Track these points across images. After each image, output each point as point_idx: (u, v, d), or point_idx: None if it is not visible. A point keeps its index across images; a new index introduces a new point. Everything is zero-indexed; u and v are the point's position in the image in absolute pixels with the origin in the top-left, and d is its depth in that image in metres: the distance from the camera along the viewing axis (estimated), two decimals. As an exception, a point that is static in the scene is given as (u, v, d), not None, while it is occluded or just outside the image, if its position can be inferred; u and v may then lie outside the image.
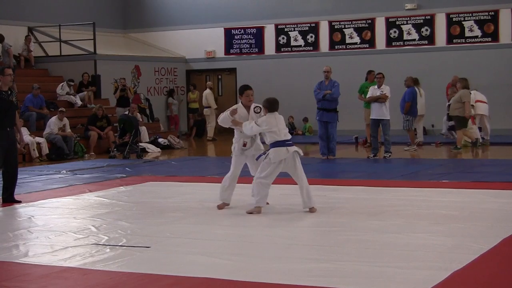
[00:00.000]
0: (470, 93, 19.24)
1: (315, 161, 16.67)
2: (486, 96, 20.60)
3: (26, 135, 18.95)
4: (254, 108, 10.03)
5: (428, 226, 8.54)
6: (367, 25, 25.47)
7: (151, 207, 10.57)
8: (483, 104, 20.37)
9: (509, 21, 23.71)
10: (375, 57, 24.58)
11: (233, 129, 10.19)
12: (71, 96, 22.89)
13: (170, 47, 28.30)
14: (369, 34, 25.46)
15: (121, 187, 12.83)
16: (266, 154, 9.67)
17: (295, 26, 26.44)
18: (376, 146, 17.57)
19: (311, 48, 26.24)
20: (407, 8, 24.87)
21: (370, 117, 17.69)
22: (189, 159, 18.76)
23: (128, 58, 26.17)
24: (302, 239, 8.16)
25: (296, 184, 9.83)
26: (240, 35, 27.32)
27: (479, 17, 24.05)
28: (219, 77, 28.23)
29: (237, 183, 10.29)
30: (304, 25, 26.32)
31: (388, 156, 17.20)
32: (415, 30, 24.83)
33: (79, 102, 22.92)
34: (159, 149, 21.26)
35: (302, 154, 9.86)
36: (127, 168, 16.13)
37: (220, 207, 10.17)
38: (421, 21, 24.75)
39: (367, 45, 25.49)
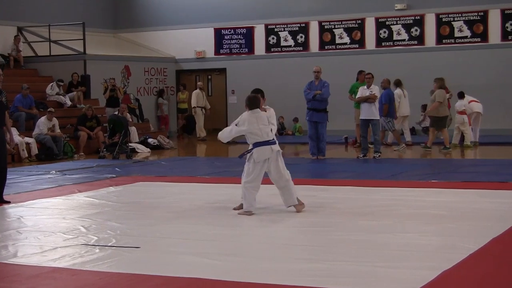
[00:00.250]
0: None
1: (305, 161, 16.68)
2: (475, 96, 20.65)
3: (15, 136, 18.90)
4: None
5: (418, 226, 8.55)
6: (357, 25, 25.50)
7: (141, 207, 10.55)
8: (477, 103, 20.46)
9: (498, 22, 23.79)
10: (365, 57, 24.60)
11: (221, 128, 10.14)
12: (61, 96, 22.83)
13: (160, 47, 28.26)
14: (359, 34, 25.49)
15: (111, 188, 12.80)
16: (250, 153, 9.61)
17: (285, 26, 26.44)
18: (366, 146, 17.59)
19: (301, 48, 26.26)
20: (397, 8, 24.91)
21: (360, 117, 17.71)
22: (179, 159, 18.74)
23: (118, 58, 26.12)
24: (293, 239, 8.15)
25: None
26: (230, 35, 27.31)
27: (469, 17, 24.11)
28: (209, 77, 28.21)
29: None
30: (294, 25, 26.33)
31: (377, 156, 17.22)
32: (404, 31, 24.88)
33: (69, 102, 22.86)
34: (148, 149, 21.23)
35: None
36: (116, 169, 16.10)
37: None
38: (411, 21, 24.80)
39: (357, 45, 25.52)
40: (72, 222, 9.33)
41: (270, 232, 8.53)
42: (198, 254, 7.28)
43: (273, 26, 26.60)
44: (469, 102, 20.10)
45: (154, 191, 12.28)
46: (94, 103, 23.09)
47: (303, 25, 26.21)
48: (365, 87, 17.59)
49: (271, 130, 9.70)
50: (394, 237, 7.97)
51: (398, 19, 24.94)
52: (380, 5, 25.08)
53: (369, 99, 17.26)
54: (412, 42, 24.83)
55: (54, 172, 15.61)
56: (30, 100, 21.02)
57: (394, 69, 23.41)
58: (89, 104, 22.07)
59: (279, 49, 26.59)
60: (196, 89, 25.58)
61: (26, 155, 18.86)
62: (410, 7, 24.79)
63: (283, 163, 9.70)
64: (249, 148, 9.66)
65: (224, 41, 27.38)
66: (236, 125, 9.73)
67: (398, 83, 20.11)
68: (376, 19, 25.17)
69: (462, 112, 19.73)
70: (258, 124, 9.54)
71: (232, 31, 27.22)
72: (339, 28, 25.72)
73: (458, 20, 24.23)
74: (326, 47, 25.87)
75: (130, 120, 22.39)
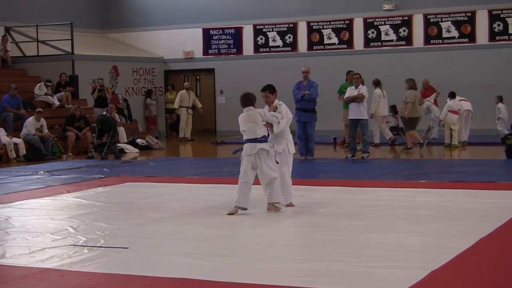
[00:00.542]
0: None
1: (294, 161, 16.61)
2: (463, 97, 20.73)
3: (3, 136, 18.86)
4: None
5: (406, 226, 8.57)
6: (345, 26, 25.53)
7: (130, 207, 10.54)
8: (467, 102, 20.55)
9: (486, 22, 23.87)
10: (353, 57, 24.63)
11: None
12: (49, 96, 22.76)
13: (148, 47, 28.23)
14: (347, 34, 25.53)
15: (99, 188, 12.78)
16: (242, 150, 9.71)
17: (273, 26, 26.46)
18: (354, 146, 17.62)
19: (290, 48, 26.28)
20: (385, 8, 24.96)
21: (348, 117, 17.73)
22: (168, 160, 18.72)
23: (106, 58, 26.08)
24: (282, 240, 8.15)
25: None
26: (219, 36, 27.30)
27: (456, 18, 24.19)
28: (198, 77, 28.19)
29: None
30: (282, 25, 26.35)
31: (366, 156, 17.25)
32: (393, 31, 24.93)
33: (57, 103, 22.79)
34: (137, 150, 21.19)
35: (271, 152, 9.76)
36: (105, 169, 16.07)
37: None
38: (399, 21, 24.86)
39: (345, 46, 25.55)
40: (61, 223, 9.31)
41: (260, 232, 8.53)
42: (187, 255, 7.27)
43: (262, 27, 26.61)
44: (459, 101, 20.19)
45: (143, 192, 12.27)
46: (82, 103, 23.02)
47: (292, 25, 26.23)
48: (353, 87, 17.62)
49: (278, 124, 9.79)
50: (382, 237, 7.98)
51: (386, 19, 24.99)
52: (368, 6, 25.12)
53: (357, 99, 17.29)
54: (400, 43, 24.89)
55: (42, 172, 15.56)
56: (18, 100, 20.95)
57: (382, 69, 23.48)
58: (77, 104, 22.00)
59: (268, 49, 26.61)
60: (183, 89, 25.53)
61: (14, 155, 18.79)
62: (398, 8, 24.85)
63: (270, 162, 9.66)
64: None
65: (213, 41, 27.37)
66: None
67: (377, 83, 20.10)
68: (364, 20, 25.21)
69: (455, 112, 19.77)
70: (247, 123, 9.62)
71: (221, 32, 27.21)
72: (327, 28, 25.76)
73: (446, 21, 24.31)
74: (314, 48, 25.90)
75: (119, 120, 22.35)
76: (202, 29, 27.39)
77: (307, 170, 15.46)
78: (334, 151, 20.14)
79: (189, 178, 14.01)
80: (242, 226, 8.91)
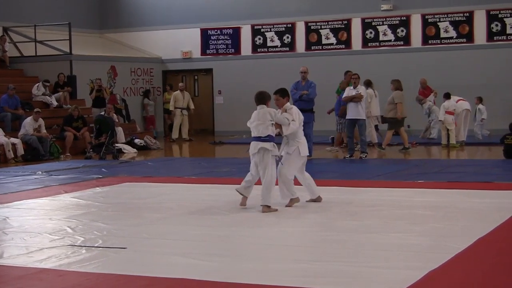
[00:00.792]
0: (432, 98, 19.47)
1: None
2: (461, 97, 20.75)
3: (1, 136, 18.86)
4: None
5: (404, 226, 8.57)
6: (343, 26, 25.54)
7: (128, 208, 10.53)
8: (465, 102, 20.57)
9: (484, 22, 23.88)
10: (351, 57, 24.63)
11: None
12: (47, 96, 22.74)
13: (146, 47, 28.21)
14: (345, 34, 25.53)
15: (97, 188, 12.77)
16: None
17: (272, 26, 26.45)
18: (352, 146, 17.62)
19: (288, 48, 26.28)
20: (383, 9, 24.96)
21: (346, 117, 17.72)
22: (166, 160, 18.72)
23: (104, 58, 26.06)
24: (279, 240, 8.14)
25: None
26: (217, 36, 27.29)
27: (454, 18, 24.20)
28: (196, 77, 28.18)
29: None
30: (280, 25, 26.35)
31: (364, 156, 17.25)
32: (390, 31, 24.94)
33: (55, 103, 22.78)
34: (135, 150, 21.18)
35: (273, 152, 9.86)
36: (103, 169, 16.06)
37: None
38: (397, 22, 24.86)
39: (343, 46, 25.56)
40: (59, 223, 9.30)
41: (258, 232, 8.52)
42: (185, 255, 7.27)
43: (260, 27, 26.61)
44: (457, 102, 20.22)
45: (141, 192, 12.27)
46: (80, 104, 23.02)
47: (290, 25, 26.23)
48: (352, 87, 17.62)
49: (289, 126, 9.95)
50: (380, 237, 7.99)
51: (384, 19, 25.00)
52: (366, 6, 25.12)
53: (354, 99, 17.29)
54: (398, 43, 24.89)
55: (40, 172, 15.55)
56: (16, 100, 20.95)
57: (380, 69, 23.50)
58: (75, 104, 22.00)
59: (266, 49, 26.60)
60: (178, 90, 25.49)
61: (12, 155, 18.78)
62: (396, 8, 24.85)
63: (268, 163, 9.76)
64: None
65: (211, 42, 27.36)
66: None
67: (369, 83, 20.05)
68: (362, 20, 25.22)
69: (451, 112, 19.78)
70: (254, 120, 9.92)
71: (219, 32, 27.20)
72: (325, 28, 25.76)
73: (444, 21, 24.31)
74: (312, 48, 25.89)
75: (117, 120, 22.33)
76: (200, 29, 27.39)
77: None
78: (331, 151, 20.12)
79: (187, 178, 14.01)
80: (240, 227, 8.90)
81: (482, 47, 23.81)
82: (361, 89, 17.49)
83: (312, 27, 25.91)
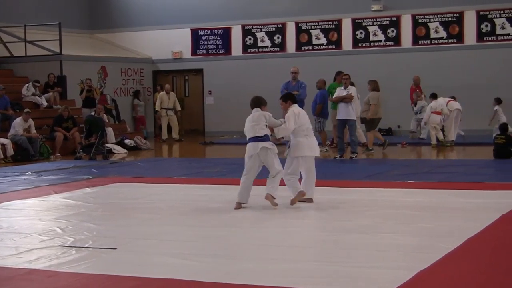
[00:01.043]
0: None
1: (282, 161, 16.64)
2: (451, 97, 20.81)
3: (-10, 136, 18.81)
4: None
5: (394, 226, 8.59)
6: (333, 26, 25.56)
7: (118, 208, 10.52)
8: (455, 102, 20.62)
9: (474, 23, 23.93)
10: (342, 58, 24.64)
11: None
12: (37, 97, 22.68)
13: (136, 47, 28.17)
14: (335, 35, 25.55)
15: (87, 189, 12.74)
16: None
17: (262, 27, 26.46)
18: (342, 147, 17.63)
19: (278, 49, 26.28)
20: (373, 9, 24.98)
21: (337, 118, 17.73)
22: (156, 160, 18.71)
23: (94, 58, 26.02)
24: (270, 240, 8.15)
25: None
26: (207, 36, 27.27)
27: (444, 18, 24.25)
28: (186, 78, 28.16)
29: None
30: (270, 26, 26.35)
31: (354, 156, 17.27)
32: (381, 31, 24.97)
33: (45, 103, 22.72)
34: (125, 150, 21.14)
35: (274, 149, 10.06)
36: (93, 169, 16.03)
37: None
38: (387, 22, 24.90)
39: (333, 46, 25.57)
40: (48, 224, 9.29)
41: (248, 233, 8.53)
42: (175, 255, 7.27)
43: (250, 27, 26.60)
44: (447, 103, 20.25)
45: (131, 192, 12.25)
46: (70, 104, 22.97)
47: (280, 26, 26.23)
48: (342, 87, 17.63)
49: (283, 125, 10.26)
50: (370, 237, 8.00)
51: (374, 20, 25.02)
52: (356, 6, 25.14)
53: (345, 99, 17.30)
54: (389, 43, 24.93)
55: (30, 173, 15.51)
56: (5, 100, 20.89)
57: (370, 69, 23.51)
58: (65, 104, 21.94)
59: (256, 49, 26.60)
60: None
61: (2, 156, 18.72)
62: (386, 8, 24.88)
63: (274, 159, 10.02)
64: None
65: (201, 42, 27.35)
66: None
67: (351, 84, 20.06)
68: (353, 20, 25.24)
69: (438, 113, 19.83)
70: (249, 122, 10.07)
71: (209, 32, 27.19)
72: (315, 29, 25.77)
73: (434, 21, 24.36)
74: (303, 48, 25.91)
75: (107, 120, 22.30)
76: (191, 29, 27.36)
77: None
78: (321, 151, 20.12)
79: (177, 179, 14.00)
80: (230, 227, 8.90)
81: (472, 48, 23.86)
82: (352, 89, 17.50)
83: (302, 28, 25.92)
